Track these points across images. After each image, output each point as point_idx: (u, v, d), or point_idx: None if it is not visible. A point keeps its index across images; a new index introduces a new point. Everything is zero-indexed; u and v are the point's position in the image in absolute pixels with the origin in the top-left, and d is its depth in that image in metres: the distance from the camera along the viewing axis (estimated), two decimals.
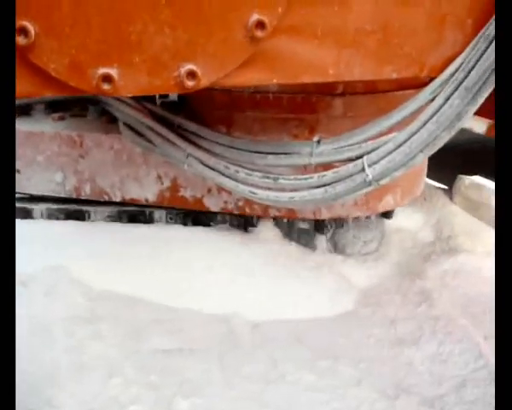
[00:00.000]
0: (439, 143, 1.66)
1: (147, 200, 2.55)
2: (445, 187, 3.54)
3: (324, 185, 1.82)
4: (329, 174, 1.81)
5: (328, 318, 2.30)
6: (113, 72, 1.34)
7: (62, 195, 2.63)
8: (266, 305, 2.35)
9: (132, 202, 2.57)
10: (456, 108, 1.60)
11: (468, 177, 3.26)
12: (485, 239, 2.92)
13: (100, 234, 2.51)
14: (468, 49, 1.62)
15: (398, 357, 2.11)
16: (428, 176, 3.47)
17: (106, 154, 2.51)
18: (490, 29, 1.57)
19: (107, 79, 1.34)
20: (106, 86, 1.34)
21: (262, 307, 2.32)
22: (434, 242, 2.94)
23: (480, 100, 1.61)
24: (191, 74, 1.39)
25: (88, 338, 2.00)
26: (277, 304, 2.36)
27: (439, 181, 3.68)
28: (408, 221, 3.08)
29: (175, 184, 2.48)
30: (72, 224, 2.60)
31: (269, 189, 1.95)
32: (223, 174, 2.05)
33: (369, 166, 1.72)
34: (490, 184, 3.17)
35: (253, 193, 1.99)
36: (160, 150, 2.20)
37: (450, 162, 3.61)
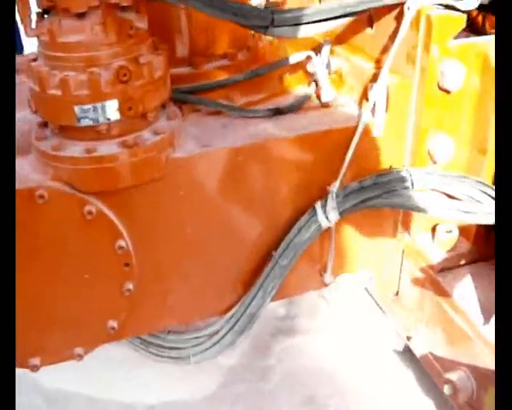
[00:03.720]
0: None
1: None
2: None
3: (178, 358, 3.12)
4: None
5: (191, 399, 3.35)
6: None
7: None
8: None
9: None
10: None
11: None
12: (323, 319, 3.95)
13: None
14: (236, 307, 2.85)
15: None
16: None
17: None
18: (246, 301, 2.81)
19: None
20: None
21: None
22: (284, 318, 3.97)
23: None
24: (79, 355, 2.62)
25: None
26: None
27: None
28: None
29: None
30: None
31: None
32: None
33: (193, 355, 3.03)
34: None
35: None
36: None
37: None
